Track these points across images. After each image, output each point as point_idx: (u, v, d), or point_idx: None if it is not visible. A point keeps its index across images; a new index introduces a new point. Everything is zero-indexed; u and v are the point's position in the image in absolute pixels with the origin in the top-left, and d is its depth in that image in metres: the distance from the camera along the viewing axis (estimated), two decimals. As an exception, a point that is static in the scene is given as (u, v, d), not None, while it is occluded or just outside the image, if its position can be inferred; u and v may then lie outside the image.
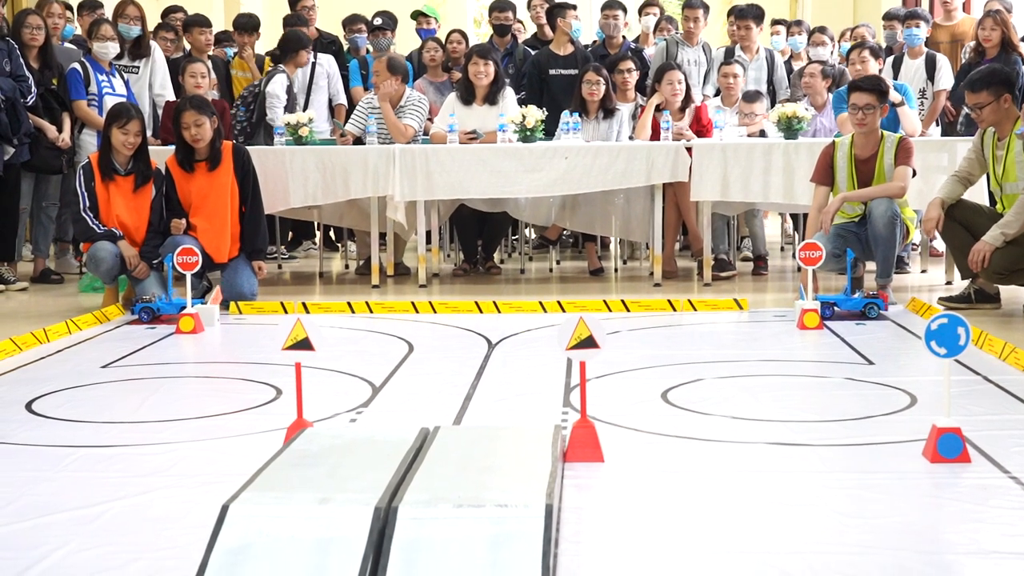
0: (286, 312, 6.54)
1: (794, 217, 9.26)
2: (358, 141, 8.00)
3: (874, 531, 2.79)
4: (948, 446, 3.35)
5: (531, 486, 2.67)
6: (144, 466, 3.46)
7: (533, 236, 9.58)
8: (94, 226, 6.60)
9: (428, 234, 7.83)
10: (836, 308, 6.07)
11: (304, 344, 3.48)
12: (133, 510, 3.04)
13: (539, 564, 2.39)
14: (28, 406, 4.28)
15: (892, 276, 6.71)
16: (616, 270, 8.62)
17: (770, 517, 2.93)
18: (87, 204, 6.63)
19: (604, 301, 6.51)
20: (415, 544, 2.44)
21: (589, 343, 3.42)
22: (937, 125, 9.00)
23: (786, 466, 3.39)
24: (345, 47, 10.40)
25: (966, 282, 6.62)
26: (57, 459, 3.56)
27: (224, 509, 2.52)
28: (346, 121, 8.41)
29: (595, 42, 10.20)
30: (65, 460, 3.55)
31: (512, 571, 2.38)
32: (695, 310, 6.51)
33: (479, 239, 8.60)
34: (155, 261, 6.66)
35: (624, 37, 9.82)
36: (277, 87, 8.62)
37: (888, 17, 10.14)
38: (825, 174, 6.80)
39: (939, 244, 8.87)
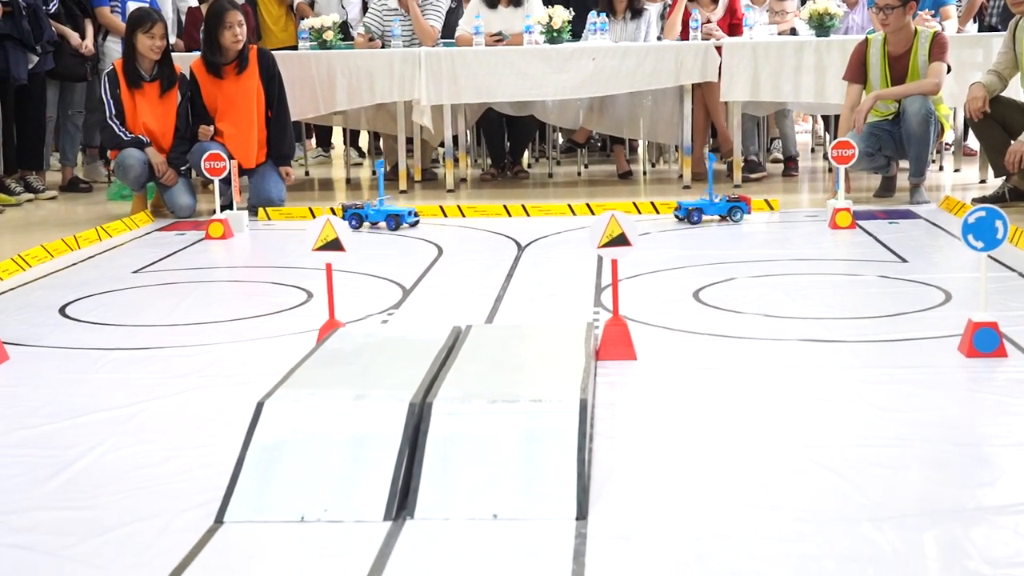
0: (315, 217, 6.50)
1: (825, 118, 9.14)
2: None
3: (911, 424, 2.77)
4: (984, 340, 3.31)
5: (565, 382, 2.65)
6: (178, 367, 3.47)
7: (561, 140, 9.49)
8: (121, 133, 6.56)
9: (455, 139, 7.77)
10: (702, 213, 6.06)
11: (334, 244, 3.45)
12: (168, 410, 3.05)
13: (574, 458, 2.38)
14: (61, 310, 4.30)
15: (926, 175, 6.61)
16: (644, 173, 8.54)
17: (806, 412, 2.91)
18: (113, 111, 6.59)
19: (633, 203, 6.45)
20: (450, 439, 2.43)
21: (621, 241, 3.37)
22: (974, 22, 8.80)
23: (820, 362, 3.37)
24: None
25: (1000, 180, 6.52)
26: (91, 361, 3.57)
27: (259, 406, 2.51)
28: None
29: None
30: (99, 362, 3.56)
31: (547, 465, 2.37)
32: (725, 211, 6.43)
33: (506, 143, 8.52)
34: (183, 168, 6.63)
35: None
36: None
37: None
38: (858, 72, 6.67)
39: (972, 143, 8.75)
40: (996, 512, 2.25)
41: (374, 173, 8.97)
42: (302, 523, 2.27)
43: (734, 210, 6.07)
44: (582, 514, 2.27)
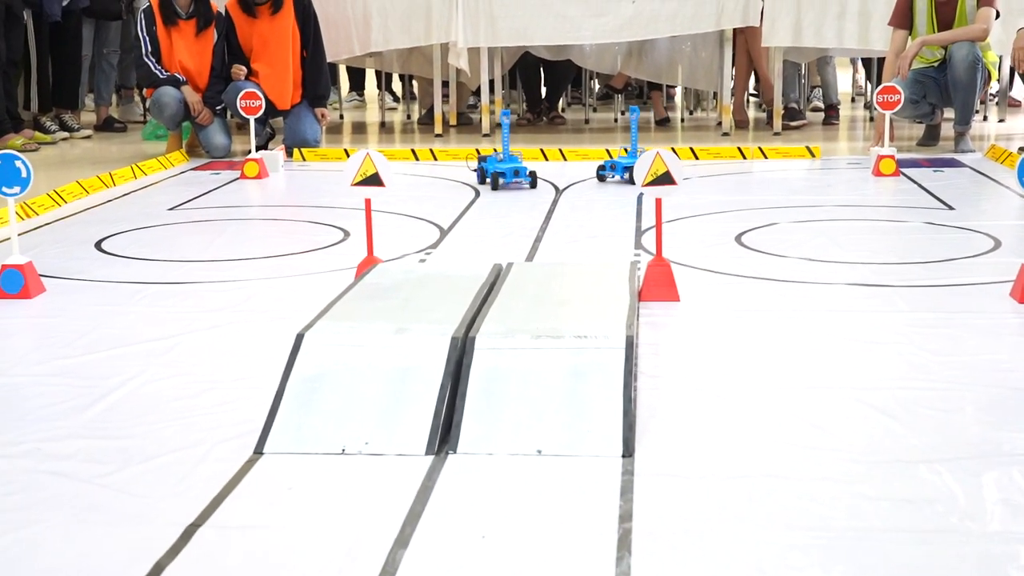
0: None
1: (867, 65, 8.97)
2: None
3: (964, 368, 2.70)
4: (1038, 286, 3.23)
5: (610, 319, 2.59)
6: (214, 302, 3.43)
7: (597, 87, 9.37)
8: (157, 71, 6.50)
9: (491, 83, 7.67)
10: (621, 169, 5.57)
11: (374, 180, 3.39)
12: (205, 343, 3.02)
13: (620, 395, 2.32)
14: (97, 245, 4.27)
15: (971, 123, 6.47)
16: (682, 120, 8.43)
17: (854, 354, 2.84)
18: (149, 49, 6.52)
19: (672, 148, 6.35)
20: (493, 374, 2.38)
21: (666, 179, 3.30)
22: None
23: (867, 306, 3.29)
24: None
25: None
26: (128, 295, 3.54)
27: (299, 338, 2.47)
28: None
29: None
30: (136, 296, 3.52)
31: (593, 402, 2.32)
32: (765, 158, 6.34)
33: (543, 88, 8.41)
34: (218, 107, 6.58)
35: None
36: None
37: None
38: (904, 17, 6.52)
39: (1018, 93, 8.59)
40: (1056, 457, 2.18)
41: (408, 117, 8.92)
42: (343, 456, 2.23)
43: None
44: (628, 451, 2.21)
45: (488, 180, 5.47)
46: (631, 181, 4.80)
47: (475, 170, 5.66)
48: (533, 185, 5.47)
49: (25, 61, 7.59)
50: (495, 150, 5.73)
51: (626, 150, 5.73)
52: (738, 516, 1.95)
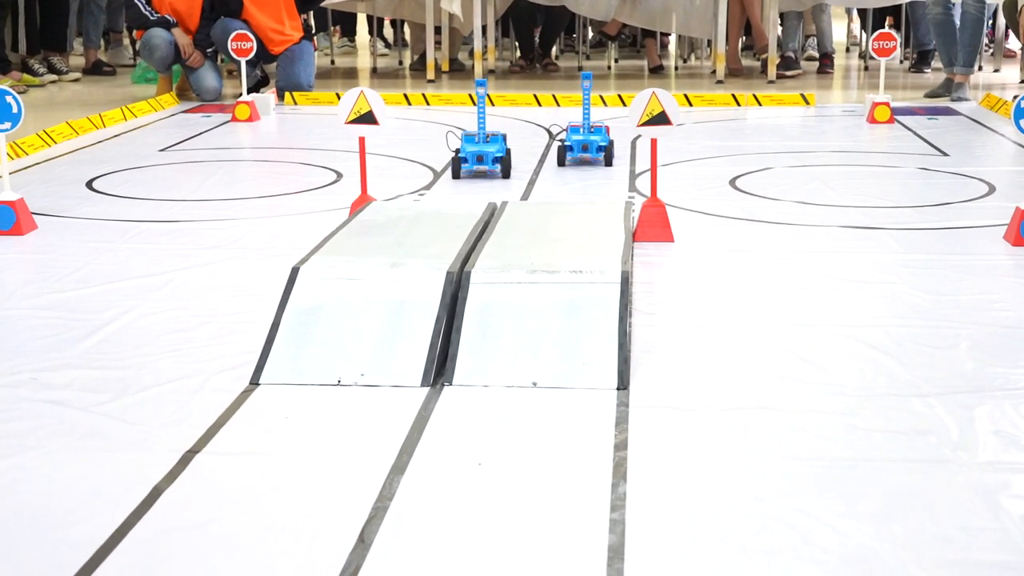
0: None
1: (862, 15, 8.94)
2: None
3: (958, 307, 2.72)
4: (1032, 229, 3.24)
5: (605, 255, 2.59)
6: (207, 239, 3.43)
7: (591, 34, 9.32)
8: (147, 12, 6.45)
9: (484, 29, 7.62)
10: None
11: (368, 118, 3.38)
12: (200, 278, 3.02)
13: (616, 329, 2.33)
14: (88, 184, 4.26)
15: (975, 67, 6.29)
16: (676, 68, 8.40)
17: (848, 293, 2.85)
18: (139, -11, 6.46)
19: (666, 95, 6.32)
20: (489, 308, 2.39)
21: (661, 119, 3.30)
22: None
23: (861, 247, 3.30)
24: None
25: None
26: (120, 232, 3.53)
27: (295, 271, 2.47)
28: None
29: None
30: (128, 233, 3.52)
31: (588, 336, 2.33)
32: (760, 105, 6.33)
33: (536, 35, 8.37)
34: (209, 49, 6.53)
35: None
36: None
37: None
38: None
39: (1013, 44, 8.56)
40: (1047, 391, 2.20)
41: (400, 63, 8.86)
42: (339, 387, 2.24)
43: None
44: (623, 384, 2.23)
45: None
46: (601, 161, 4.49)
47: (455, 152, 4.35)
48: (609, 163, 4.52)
49: (12, 3, 7.52)
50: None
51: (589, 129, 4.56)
52: (732, 446, 1.97)
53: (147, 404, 2.17)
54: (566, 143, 4.57)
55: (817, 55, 8.20)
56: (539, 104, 6.37)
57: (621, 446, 1.97)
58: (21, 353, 2.46)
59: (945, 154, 4.77)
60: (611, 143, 4.58)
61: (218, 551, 1.64)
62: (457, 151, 4.33)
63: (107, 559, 1.61)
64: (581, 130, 4.56)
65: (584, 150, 4.53)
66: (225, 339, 2.53)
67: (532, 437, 2.02)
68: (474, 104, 6.32)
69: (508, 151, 4.37)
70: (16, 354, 2.45)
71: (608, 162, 4.54)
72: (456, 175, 4.30)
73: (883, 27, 8.29)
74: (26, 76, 7.34)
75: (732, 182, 4.22)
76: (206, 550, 1.64)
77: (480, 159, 4.30)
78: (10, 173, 3.58)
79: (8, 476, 1.88)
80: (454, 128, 4.39)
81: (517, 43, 8.52)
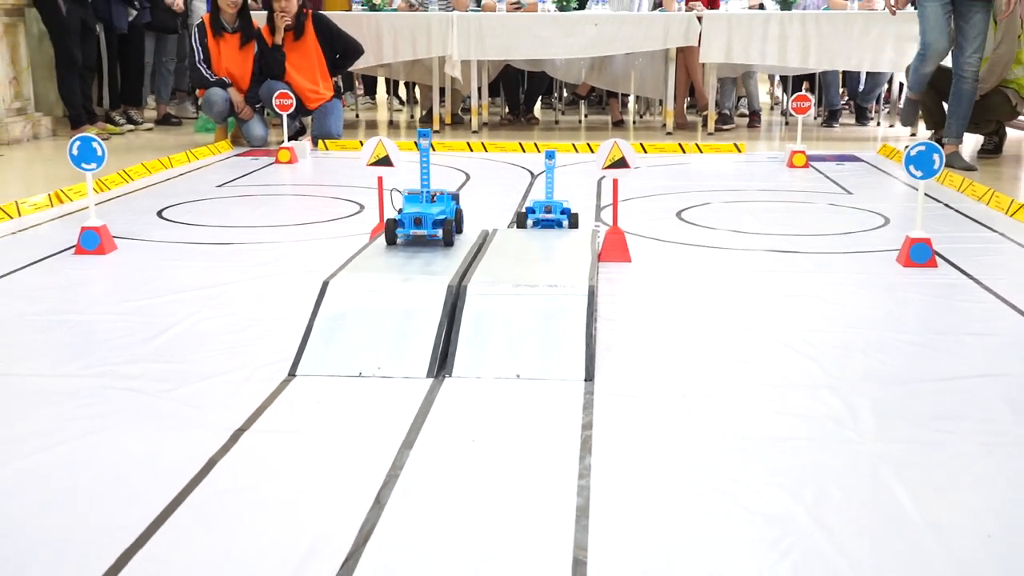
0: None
1: (783, 80, 8.97)
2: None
3: (859, 316, 2.73)
4: (919, 253, 3.25)
5: (575, 273, 2.60)
6: (255, 259, 3.42)
7: (566, 94, 9.33)
8: (207, 75, 6.44)
9: (479, 90, 7.63)
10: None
11: (385, 161, 3.38)
12: (248, 290, 3.01)
13: (583, 332, 2.34)
14: (159, 213, 4.24)
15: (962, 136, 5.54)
16: (634, 122, 8.40)
17: (772, 304, 2.86)
18: (201, 56, 6.46)
19: (626, 144, 6.33)
20: (481, 314, 2.39)
21: (622, 163, 3.31)
22: None
23: (783, 267, 3.31)
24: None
25: (928, 133, 6.40)
26: (184, 252, 3.52)
27: (325, 285, 2.47)
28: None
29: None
30: (191, 253, 3.51)
31: (561, 337, 2.34)
32: (701, 152, 6.34)
33: (521, 94, 8.38)
34: (257, 105, 6.52)
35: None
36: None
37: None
38: None
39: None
40: (930, 382, 2.21)
41: (412, 117, 8.86)
42: (360, 378, 2.24)
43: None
44: (589, 376, 2.23)
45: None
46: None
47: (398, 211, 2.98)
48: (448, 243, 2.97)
49: (98, 66, 7.51)
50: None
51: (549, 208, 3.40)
52: (678, 427, 1.98)
53: (204, 391, 2.17)
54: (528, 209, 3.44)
55: (747, 112, 8.22)
56: (523, 150, 6.37)
57: (587, 426, 1.97)
58: (101, 351, 2.45)
59: (850, 193, 4.79)
60: (575, 215, 3.38)
61: (261, 510, 1.64)
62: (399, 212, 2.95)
63: (172, 515, 1.61)
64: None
65: (547, 212, 3.36)
66: (268, 339, 2.53)
67: (515, 419, 2.02)
68: (471, 151, 6.35)
69: (458, 211, 3.09)
70: (97, 351, 2.45)
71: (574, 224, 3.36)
72: (390, 241, 2.90)
73: (800, 90, 8.33)
74: (109, 126, 7.32)
75: (679, 214, 4.23)
76: (251, 509, 1.64)
77: (418, 222, 2.89)
78: (96, 204, 3.57)
79: (92, 448, 1.87)
80: (398, 187, 3.27)
81: (506, 101, 8.52)
